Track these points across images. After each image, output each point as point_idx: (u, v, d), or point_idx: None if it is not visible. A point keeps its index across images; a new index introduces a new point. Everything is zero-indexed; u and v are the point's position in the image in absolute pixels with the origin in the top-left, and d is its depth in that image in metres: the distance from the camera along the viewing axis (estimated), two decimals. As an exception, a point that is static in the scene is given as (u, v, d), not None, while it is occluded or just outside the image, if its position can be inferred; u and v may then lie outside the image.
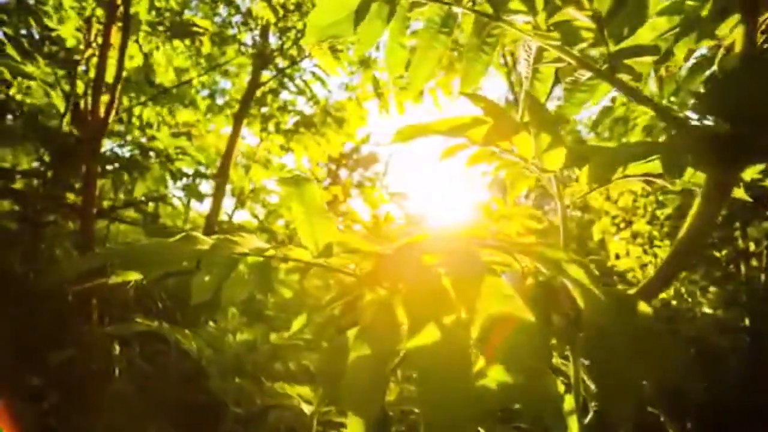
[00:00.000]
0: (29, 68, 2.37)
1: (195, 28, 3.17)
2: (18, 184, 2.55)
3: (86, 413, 1.53)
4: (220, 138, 5.19)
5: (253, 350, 1.31)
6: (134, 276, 0.69)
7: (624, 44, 0.53)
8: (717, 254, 2.43)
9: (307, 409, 1.03)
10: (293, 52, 3.60)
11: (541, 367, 0.41)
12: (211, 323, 1.67)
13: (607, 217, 2.73)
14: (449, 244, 0.65)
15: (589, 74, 0.70)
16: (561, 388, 0.70)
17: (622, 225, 2.68)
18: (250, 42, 3.95)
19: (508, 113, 0.83)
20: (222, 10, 4.00)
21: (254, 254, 0.75)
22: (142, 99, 3.22)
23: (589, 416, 0.71)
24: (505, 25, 0.65)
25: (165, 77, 3.86)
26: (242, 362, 1.35)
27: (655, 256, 2.52)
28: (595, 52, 0.73)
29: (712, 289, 2.53)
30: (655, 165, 0.79)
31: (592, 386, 0.81)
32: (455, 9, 0.76)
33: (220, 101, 5.24)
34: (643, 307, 0.48)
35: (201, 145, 4.48)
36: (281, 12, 3.23)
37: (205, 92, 5.09)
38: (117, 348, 1.55)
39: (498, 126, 0.81)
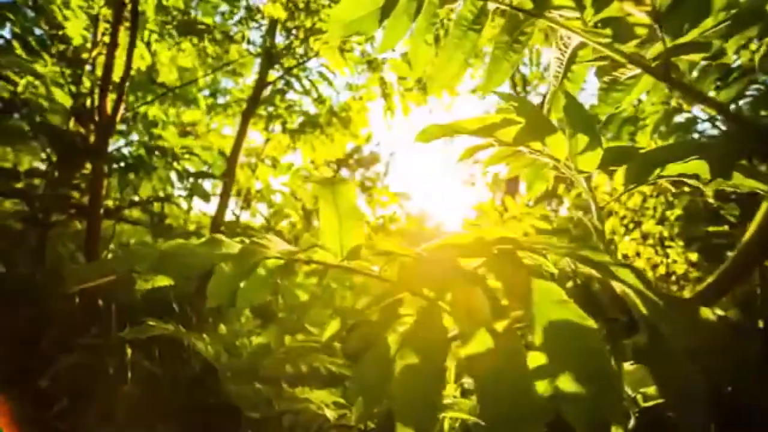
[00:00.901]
0: (37, 66, 2.35)
1: (201, 26, 3.15)
2: (20, 184, 2.53)
3: (97, 417, 1.51)
4: (222, 137, 5.17)
5: (269, 353, 1.29)
6: (164, 281, 0.67)
7: (678, 41, 0.52)
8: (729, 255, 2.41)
9: (330, 415, 1.01)
10: (300, 50, 3.57)
11: (614, 373, 0.40)
12: (222, 326, 1.64)
13: (615, 217, 2.72)
14: (487, 247, 0.63)
15: (630, 73, 0.68)
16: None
17: (631, 226, 2.67)
18: (257, 41, 3.94)
19: (542, 113, 0.81)
20: (224, 8, 3.98)
21: (283, 257, 0.73)
22: (149, 98, 3.20)
23: (632, 422, 0.69)
24: (548, 23, 0.63)
25: (168, 77, 3.84)
26: (257, 366, 1.33)
27: (667, 256, 2.51)
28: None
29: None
30: (690, 165, 0.77)
31: (630, 391, 0.79)
32: (490, 5, 0.74)
33: (221, 101, 5.23)
34: (705, 311, 0.46)
35: (205, 144, 4.46)
36: (292, 9, 3.21)
37: (206, 92, 5.07)
38: (129, 351, 1.53)
39: (532, 126, 0.79)
